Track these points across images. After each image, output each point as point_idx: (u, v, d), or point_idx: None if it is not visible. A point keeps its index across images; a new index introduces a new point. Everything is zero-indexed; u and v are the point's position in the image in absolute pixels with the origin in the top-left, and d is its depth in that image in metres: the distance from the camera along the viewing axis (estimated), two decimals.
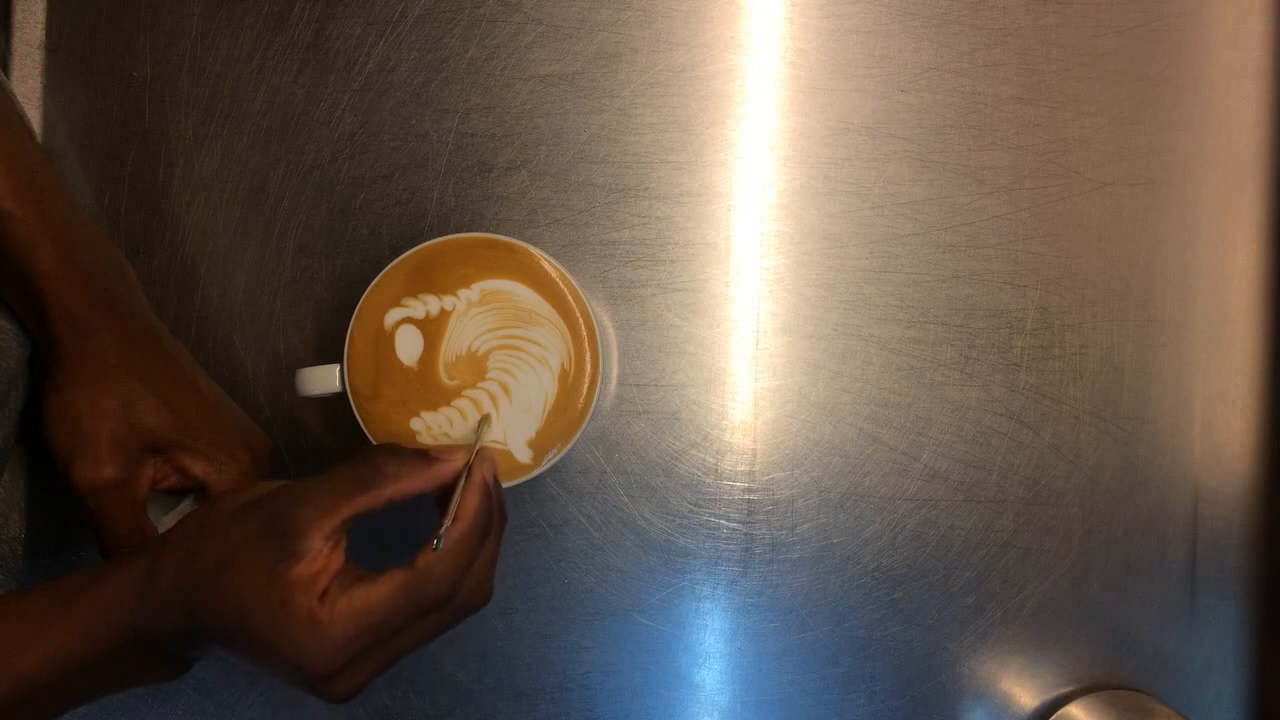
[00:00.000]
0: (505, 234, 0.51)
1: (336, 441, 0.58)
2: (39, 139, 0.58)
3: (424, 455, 0.42)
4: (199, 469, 0.48)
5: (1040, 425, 0.58)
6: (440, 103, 0.58)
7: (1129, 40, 0.59)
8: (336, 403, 0.52)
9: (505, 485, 0.50)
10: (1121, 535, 0.59)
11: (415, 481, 0.41)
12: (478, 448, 0.43)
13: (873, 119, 0.58)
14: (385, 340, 0.50)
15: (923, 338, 0.58)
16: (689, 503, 0.58)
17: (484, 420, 0.49)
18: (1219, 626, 0.59)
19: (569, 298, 0.51)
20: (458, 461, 0.42)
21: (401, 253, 0.51)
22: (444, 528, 0.40)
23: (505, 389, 0.50)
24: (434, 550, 0.39)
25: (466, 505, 0.41)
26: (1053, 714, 0.58)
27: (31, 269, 0.46)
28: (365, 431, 0.50)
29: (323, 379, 0.50)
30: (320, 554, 0.38)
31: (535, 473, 0.50)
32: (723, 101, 0.58)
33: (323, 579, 0.38)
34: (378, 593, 0.38)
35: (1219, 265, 0.59)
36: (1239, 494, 0.59)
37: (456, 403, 0.50)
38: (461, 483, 0.41)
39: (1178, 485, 0.59)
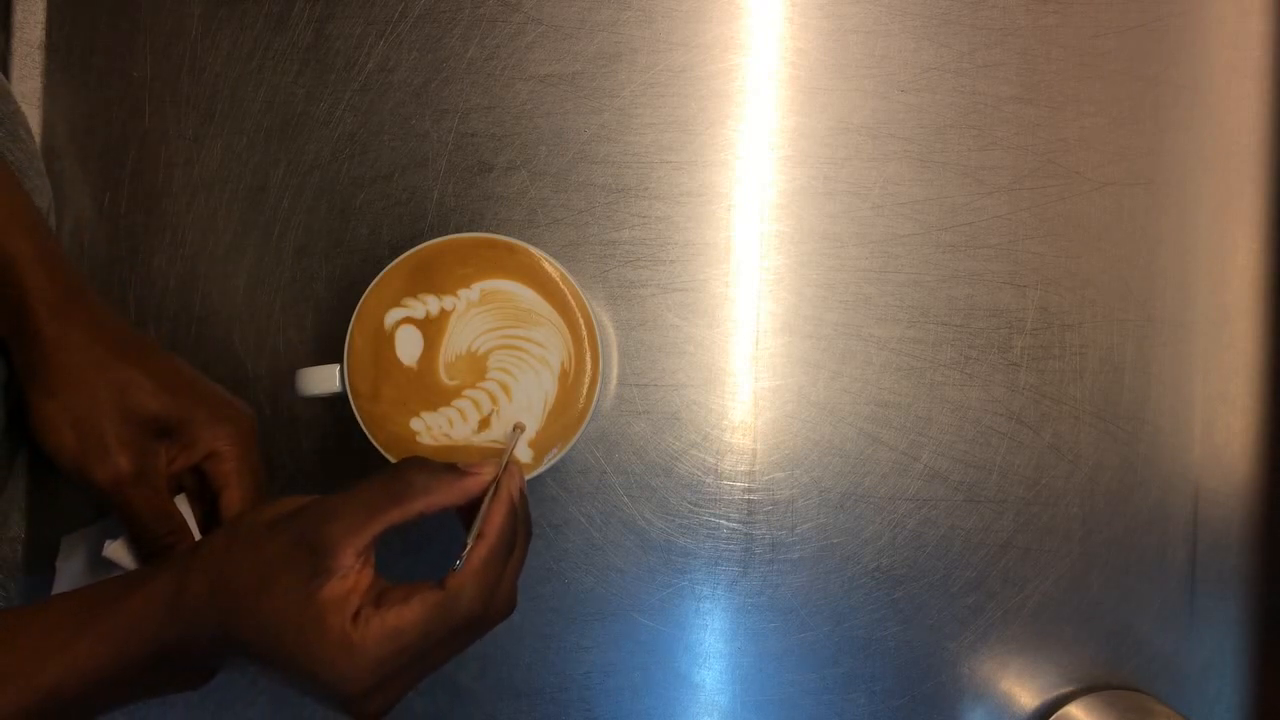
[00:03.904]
0: (505, 234, 0.51)
1: (336, 441, 0.58)
2: (39, 139, 0.58)
3: (453, 468, 0.42)
4: (204, 443, 0.48)
5: (1040, 425, 0.58)
6: (440, 103, 0.58)
7: (1129, 40, 0.59)
8: (336, 403, 0.52)
9: None
10: (1121, 535, 0.59)
11: (445, 495, 0.41)
12: (507, 460, 0.43)
13: (873, 119, 0.58)
14: (385, 340, 0.50)
15: (923, 338, 0.58)
16: (689, 503, 0.58)
17: (516, 429, 0.49)
18: (1219, 626, 0.59)
19: (569, 298, 0.51)
20: (486, 476, 0.42)
21: (401, 253, 0.51)
22: (469, 547, 0.40)
23: (505, 389, 0.50)
24: (456, 569, 0.39)
25: (492, 523, 0.41)
26: (1053, 714, 0.58)
27: (10, 255, 0.46)
28: (365, 431, 0.50)
29: (323, 379, 0.50)
30: (352, 570, 0.39)
31: (535, 473, 0.50)
32: (723, 101, 0.58)
33: (354, 598, 0.38)
34: (410, 615, 0.38)
35: (1219, 265, 0.59)
36: (1239, 494, 0.59)
37: (456, 403, 0.50)
38: (488, 499, 0.41)
39: (1178, 485, 0.59)
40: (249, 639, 0.39)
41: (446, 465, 0.42)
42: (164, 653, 0.40)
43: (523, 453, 0.50)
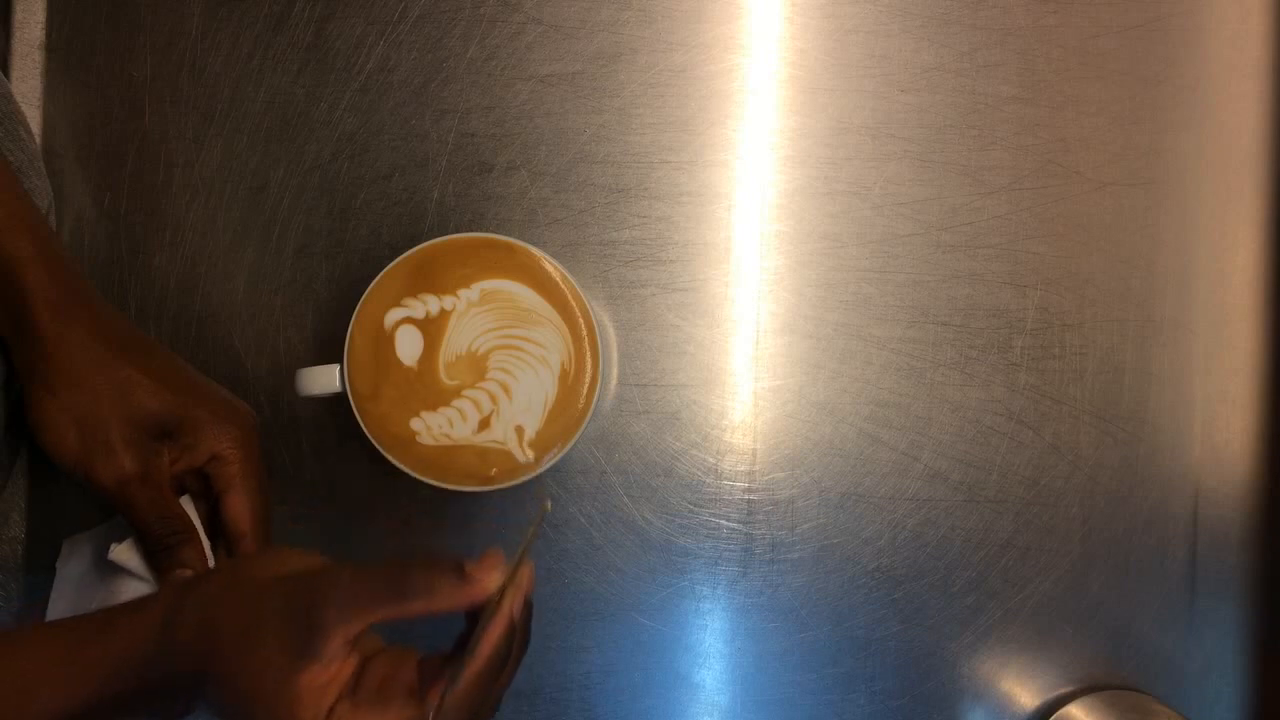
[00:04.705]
0: (505, 234, 0.52)
1: (336, 442, 0.58)
2: (39, 139, 0.58)
3: (459, 570, 0.39)
4: (206, 445, 0.48)
5: (1040, 425, 0.58)
6: (440, 103, 0.58)
7: (1129, 40, 0.59)
8: (336, 403, 0.52)
9: (506, 485, 0.50)
10: (1121, 535, 0.59)
11: (445, 601, 0.39)
12: (516, 565, 0.40)
13: (873, 119, 0.58)
14: (385, 340, 0.50)
15: (923, 338, 0.58)
16: (689, 503, 0.58)
17: (541, 513, 0.43)
18: (1219, 626, 0.59)
19: (569, 298, 0.51)
20: (491, 586, 0.39)
21: (401, 253, 0.51)
22: (461, 671, 0.38)
23: (505, 389, 0.50)
24: (444, 697, 0.38)
25: (487, 642, 0.39)
26: (1053, 714, 0.58)
27: (11, 255, 0.46)
28: (365, 431, 0.50)
29: (323, 379, 0.50)
30: (336, 658, 0.38)
31: (535, 473, 0.50)
32: (723, 101, 0.58)
33: (333, 689, 0.38)
34: None
35: (1219, 265, 0.59)
36: (1239, 494, 0.59)
37: (456, 403, 0.50)
38: (489, 612, 0.39)
39: (1178, 485, 0.59)
40: (220, 691, 0.38)
41: (454, 566, 0.39)
42: (148, 687, 0.40)
43: (522, 453, 0.50)
